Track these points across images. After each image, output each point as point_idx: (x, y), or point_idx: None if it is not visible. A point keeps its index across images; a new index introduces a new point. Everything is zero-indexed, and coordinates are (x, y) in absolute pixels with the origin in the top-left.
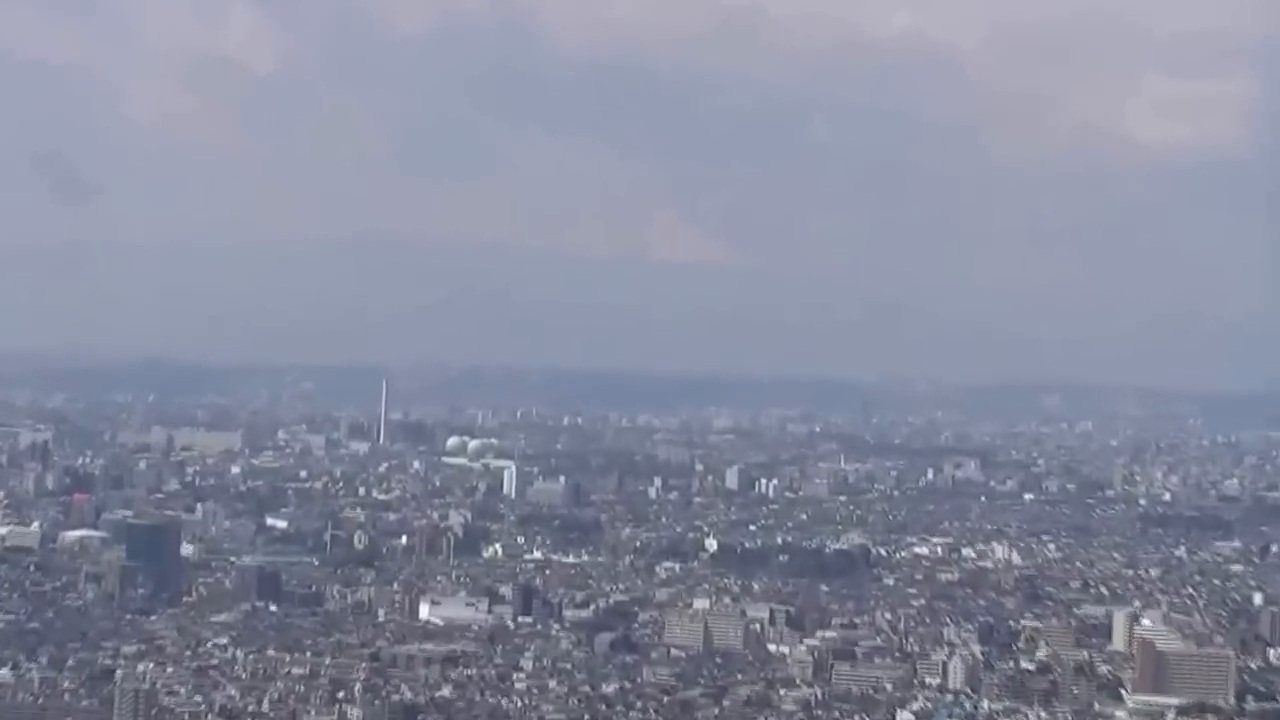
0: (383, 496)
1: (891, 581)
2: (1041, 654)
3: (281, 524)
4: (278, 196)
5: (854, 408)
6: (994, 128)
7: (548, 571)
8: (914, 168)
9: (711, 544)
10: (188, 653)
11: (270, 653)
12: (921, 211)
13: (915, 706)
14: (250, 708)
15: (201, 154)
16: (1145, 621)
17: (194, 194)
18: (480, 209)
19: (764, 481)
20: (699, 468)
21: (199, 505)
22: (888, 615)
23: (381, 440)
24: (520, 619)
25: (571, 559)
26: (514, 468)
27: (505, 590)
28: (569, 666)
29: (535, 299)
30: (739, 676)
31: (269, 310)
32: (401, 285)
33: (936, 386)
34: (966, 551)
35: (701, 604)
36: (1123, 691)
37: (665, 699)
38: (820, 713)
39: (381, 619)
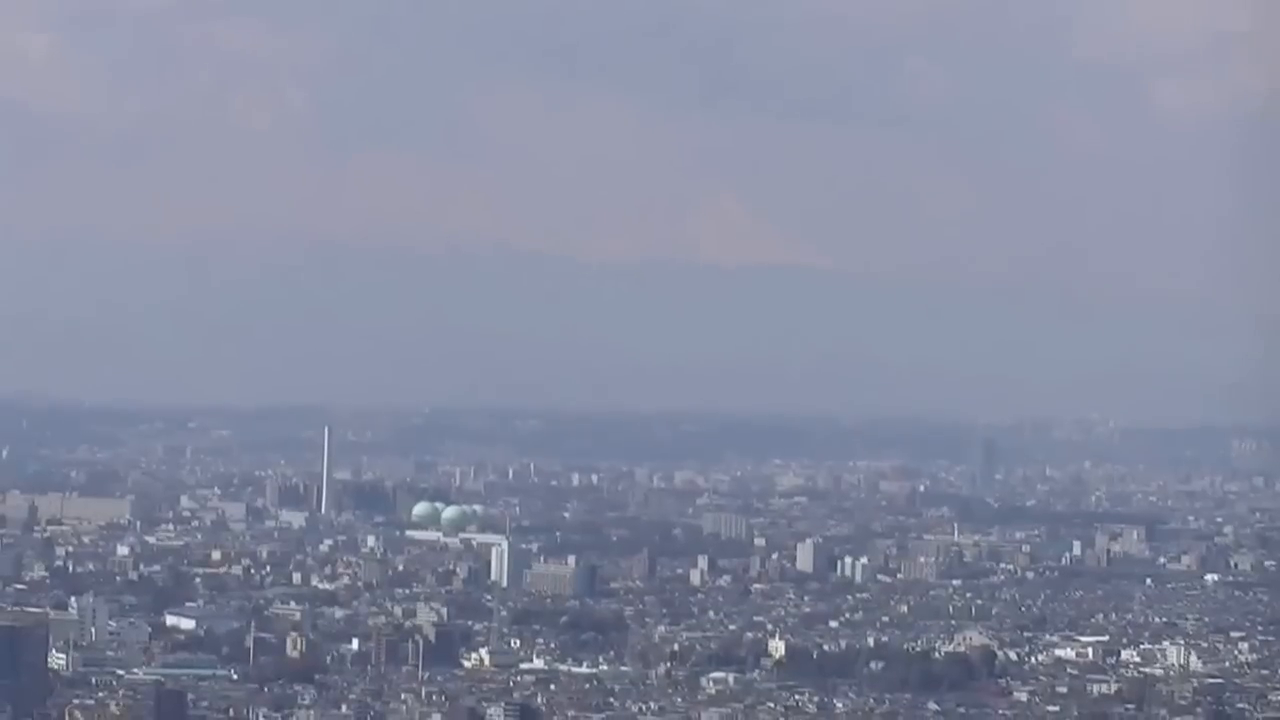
0: (326, 586)
1: (1025, 696)
2: None
3: (187, 624)
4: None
5: (972, 459)
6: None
7: (553, 687)
8: (1054, 125)
9: (778, 647)
10: None
11: None
12: (1071, 183)
13: None
14: None
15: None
16: None
17: None
18: (456, 195)
19: (849, 561)
20: (759, 542)
21: (74, 599)
22: None
23: (323, 508)
24: None
25: (585, 669)
26: (506, 544)
27: (494, 713)
28: None
29: (533, 316)
30: None
31: (167, 332)
32: (351, 300)
33: (1085, 429)
34: (1127, 654)
35: None
36: None
37: None
38: None
39: None
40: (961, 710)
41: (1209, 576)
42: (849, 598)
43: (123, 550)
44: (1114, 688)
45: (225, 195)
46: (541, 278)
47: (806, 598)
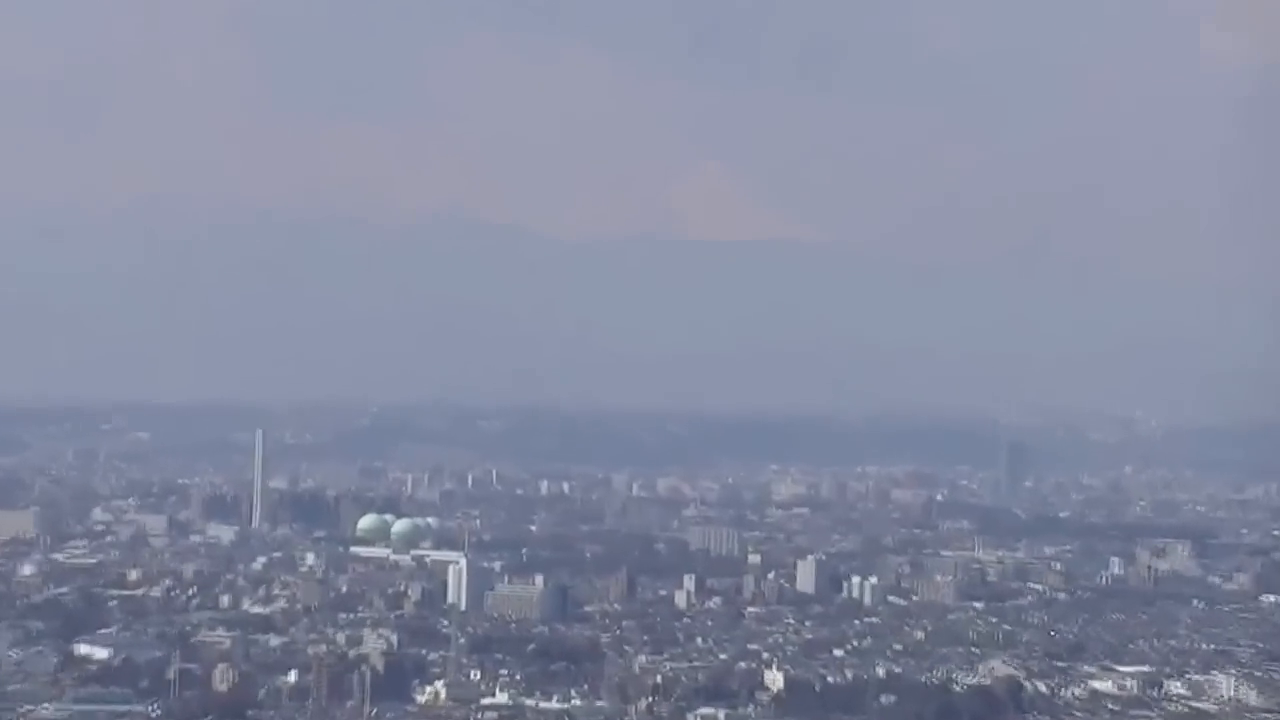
0: (259, 610)
1: None
2: None
3: (101, 653)
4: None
5: (995, 462)
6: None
7: None
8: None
9: (775, 679)
10: None
11: None
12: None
13: None
14: None
15: None
16: None
17: None
18: (416, 162)
19: (856, 581)
20: (754, 559)
21: None
22: None
23: (256, 521)
24: None
25: (555, 704)
26: (464, 562)
27: None
28: None
29: (497, 299)
30: None
31: (74, 321)
32: (292, 278)
33: (1125, 429)
34: (1174, 686)
35: None
36: None
37: None
38: None
39: None
40: None
41: (1266, 597)
42: (856, 622)
43: (27, 569)
44: None
45: (158, 159)
46: (507, 255)
47: (808, 622)
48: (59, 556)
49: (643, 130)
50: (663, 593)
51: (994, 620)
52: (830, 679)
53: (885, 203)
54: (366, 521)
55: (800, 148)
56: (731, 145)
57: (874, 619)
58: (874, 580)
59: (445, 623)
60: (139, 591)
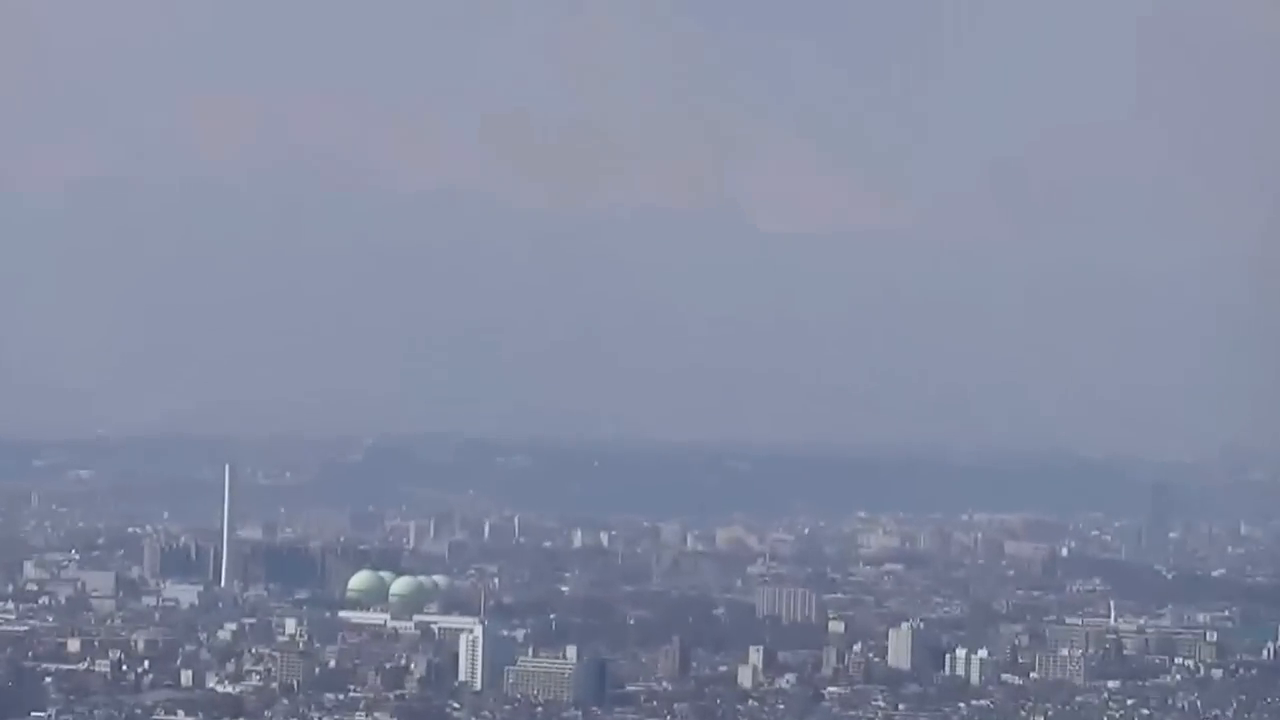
0: (227, 689)
1: None
2: None
3: None
4: None
5: (1135, 509)
6: None
7: None
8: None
9: None
10: None
11: None
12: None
13: None
14: None
15: None
16: None
17: None
18: (410, 135)
19: (962, 654)
20: (836, 628)
21: None
22: None
23: (224, 580)
24: None
25: None
26: (479, 630)
27: None
28: None
29: (513, 298)
30: None
31: (5, 327)
32: (260, 274)
33: None
34: None
35: None
36: None
37: None
38: None
39: None
40: None
41: None
42: (962, 706)
43: None
44: None
45: (98, 132)
46: (525, 238)
47: (901, 706)
48: None
49: (692, 98)
50: (723, 668)
51: (1132, 703)
52: None
53: (1007, 192)
54: (359, 580)
55: (884, 117)
56: (807, 123)
57: (984, 701)
58: (984, 654)
59: (456, 705)
60: (81, 666)
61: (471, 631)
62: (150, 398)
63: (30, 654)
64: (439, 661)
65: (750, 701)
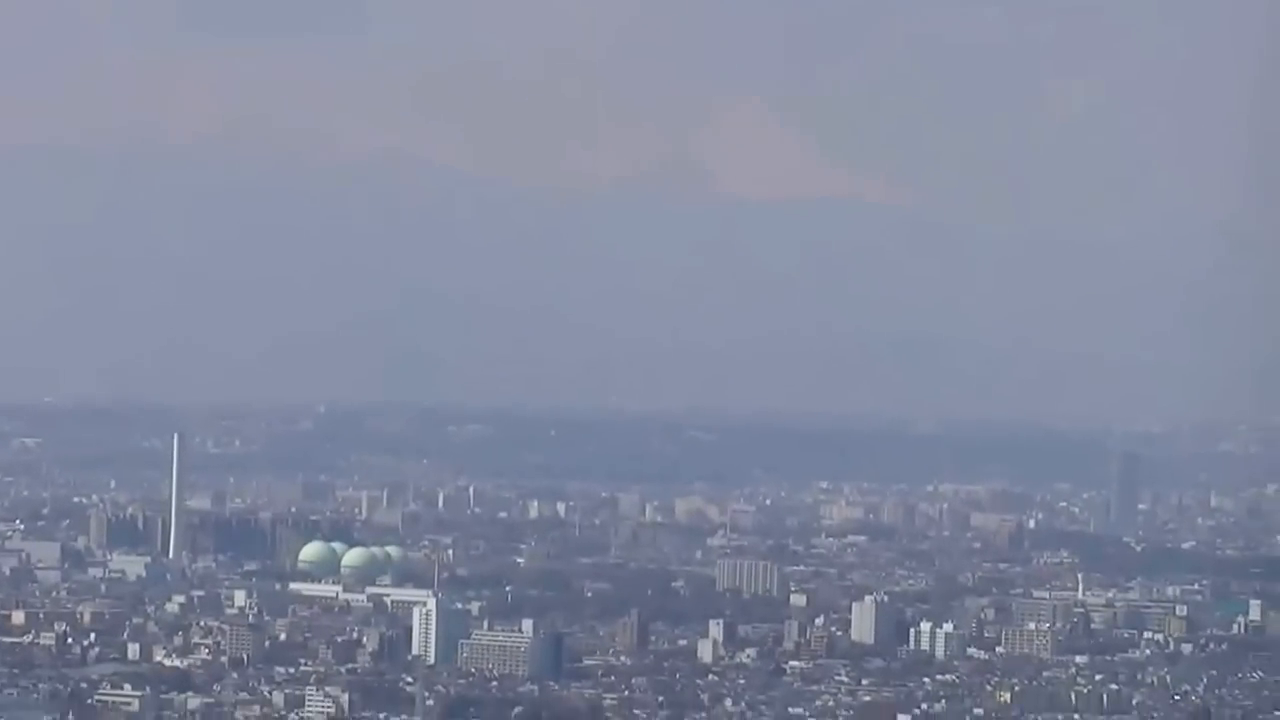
0: (175, 662)
1: None
2: None
3: None
4: None
5: (1103, 479)
6: None
7: None
8: None
9: None
10: None
11: None
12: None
13: None
14: None
15: None
16: None
17: None
18: (361, 94)
19: (927, 628)
20: (798, 601)
21: None
22: None
23: (172, 551)
24: None
25: None
26: (433, 603)
27: None
28: None
29: (470, 266)
30: None
31: None
32: (211, 236)
33: (1268, 439)
34: None
35: None
36: None
37: None
38: None
39: None
40: None
41: None
42: (926, 680)
43: None
44: None
45: (46, 92)
46: (482, 208)
47: (865, 680)
48: None
49: (654, 67)
50: (683, 642)
51: (1100, 678)
52: None
53: (976, 161)
54: (310, 551)
55: (856, 85)
56: (770, 85)
57: (949, 676)
58: (949, 628)
59: (409, 679)
60: (25, 639)
61: (425, 604)
62: (97, 367)
63: None
64: (392, 635)
65: (710, 676)
